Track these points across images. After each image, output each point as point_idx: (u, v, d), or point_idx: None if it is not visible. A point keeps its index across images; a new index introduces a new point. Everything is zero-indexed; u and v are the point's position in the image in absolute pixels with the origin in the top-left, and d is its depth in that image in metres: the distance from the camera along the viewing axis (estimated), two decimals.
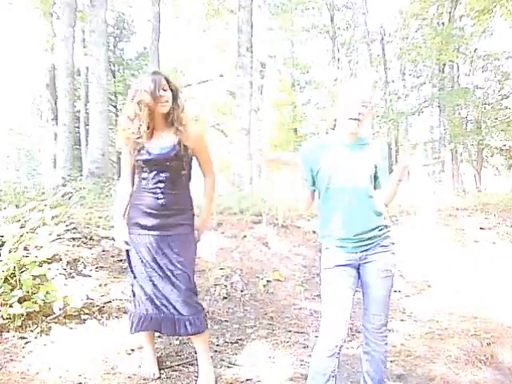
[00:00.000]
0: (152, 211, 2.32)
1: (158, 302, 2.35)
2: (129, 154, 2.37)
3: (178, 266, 2.33)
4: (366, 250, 2.09)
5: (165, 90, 2.28)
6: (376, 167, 2.14)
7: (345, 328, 2.06)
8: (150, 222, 2.32)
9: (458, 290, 4.46)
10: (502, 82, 18.59)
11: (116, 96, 20.28)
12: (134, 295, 2.45)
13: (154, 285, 2.35)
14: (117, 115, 20.34)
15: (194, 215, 2.46)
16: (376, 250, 2.10)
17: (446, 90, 17.78)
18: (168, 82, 2.31)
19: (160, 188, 2.31)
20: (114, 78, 19.93)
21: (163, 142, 2.32)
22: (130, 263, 2.43)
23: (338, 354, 2.07)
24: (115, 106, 20.18)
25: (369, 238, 2.08)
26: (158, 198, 2.31)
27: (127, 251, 2.42)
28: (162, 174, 2.31)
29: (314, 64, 22.17)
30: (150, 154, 2.29)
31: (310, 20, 20.66)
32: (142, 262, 2.36)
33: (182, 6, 18.05)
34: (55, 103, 12.18)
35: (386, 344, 2.19)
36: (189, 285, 2.35)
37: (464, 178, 19.05)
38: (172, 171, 2.32)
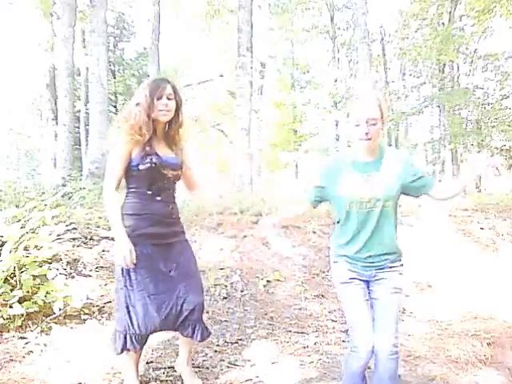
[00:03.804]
0: (164, 219, 2.26)
1: (173, 312, 2.25)
2: (126, 159, 2.20)
3: (192, 271, 2.33)
4: (376, 269, 2.11)
5: (169, 99, 2.23)
6: (406, 179, 2.08)
7: (372, 338, 2.06)
8: (161, 230, 2.25)
9: (458, 290, 4.45)
10: (502, 82, 18.56)
11: (116, 96, 20.28)
12: (127, 313, 2.22)
13: (168, 294, 2.24)
14: (117, 115, 20.32)
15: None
16: (385, 270, 2.12)
17: (446, 90, 17.77)
18: (175, 92, 2.26)
19: (168, 196, 2.30)
20: (114, 78, 19.92)
21: (167, 153, 2.29)
22: (129, 279, 2.21)
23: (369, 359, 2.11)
24: (115, 106, 20.16)
25: (380, 260, 2.11)
26: (168, 206, 2.28)
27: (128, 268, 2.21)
28: (166, 183, 2.28)
29: (314, 64, 22.15)
30: (161, 158, 2.23)
31: (310, 20, 20.63)
32: (152, 273, 2.22)
33: (182, 5, 18.03)
34: (55, 103, 12.16)
35: (397, 363, 2.09)
36: (201, 290, 2.35)
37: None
38: (172, 181, 2.32)
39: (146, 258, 2.20)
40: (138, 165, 2.19)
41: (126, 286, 2.22)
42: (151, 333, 2.28)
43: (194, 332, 2.31)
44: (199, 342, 2.38)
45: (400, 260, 2.20)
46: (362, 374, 2.16)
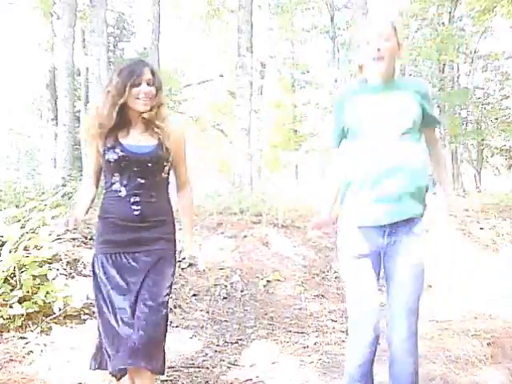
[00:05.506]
0: (127, 224, 1.89)
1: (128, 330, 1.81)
2: (96, 151, 1.96)
3: (152, 293, 1.86)
4: (396, 234, 1.76)
5: (149, 85, 1.89)
6: (422, 108, 1.80)
7: (375, 328, 1.79)
8: (124, 237, 1.89)
9: (458, 290, 4.45)
10: (502, 82, 18.60)
11: None
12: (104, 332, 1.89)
13: (127, 312, 1.84)
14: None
15: (175, 228, 2.02)
16: (407, 236, 1.76)
17: (446, 91, 17.79)
18: (153, 75, 1.91)
19: (136, 195, 1.89)
20: None
21: (142, 142, 1.92)
22: (98, 289, 1.91)
23: (373, 357, 1.82)
24: None
25: (399, 213, 1.73)
26: (133, 208, 1.89)
27: (95, 279, 1.93)
28: (139, 179, 1.90)
29: (314, 64, 22.17)
30: (125, 151, 1.88)
31: (310, 20, 20.65)
32: (115, 287, 1.87)
33: (182, 6, 18.04)
34: (55, 103, 12.17)
35: (416, 359, 1.80)
36: (157, 319, 1.86)
37: (464, 178, 19.05)
38: (150, 176, 1.92)
39: (110, 268, 1.89)
40: (103, 157, 1.92)
41: (96, 296, 1.93)
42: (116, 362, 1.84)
43: (144, 362, 1.83)
44: (150, 371, 1.88)
45: (422, 220, 1.81)
46: (365, 367, 1.82)
